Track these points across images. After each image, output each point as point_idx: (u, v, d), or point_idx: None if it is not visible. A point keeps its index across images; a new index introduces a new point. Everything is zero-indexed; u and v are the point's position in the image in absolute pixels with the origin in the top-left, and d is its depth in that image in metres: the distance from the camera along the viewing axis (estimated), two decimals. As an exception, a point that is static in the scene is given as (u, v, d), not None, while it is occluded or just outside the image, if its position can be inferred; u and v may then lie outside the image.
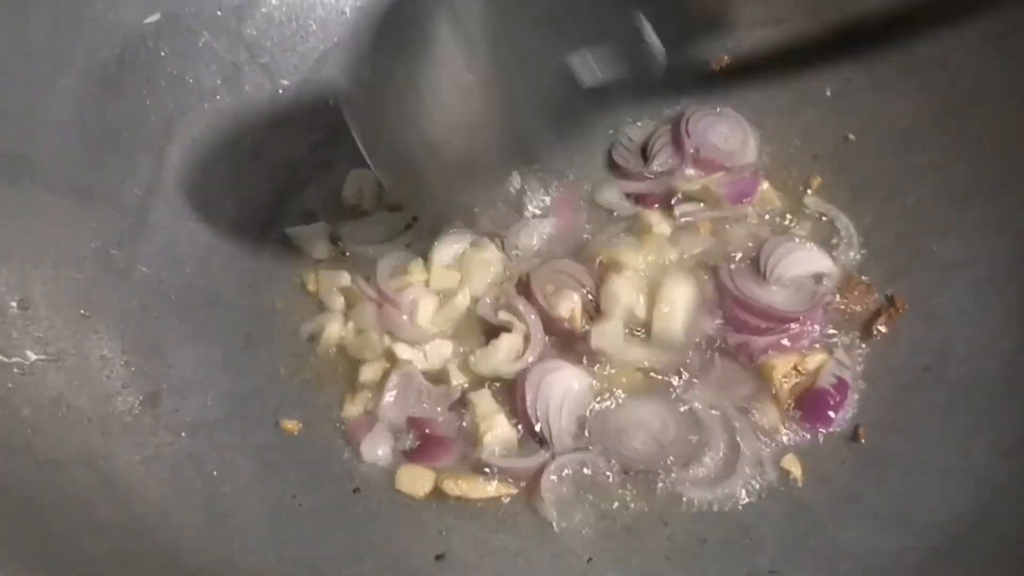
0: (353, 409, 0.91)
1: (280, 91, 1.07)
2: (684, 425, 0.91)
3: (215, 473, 0.85)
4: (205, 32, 1.04)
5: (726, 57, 1.13)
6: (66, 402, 0.83)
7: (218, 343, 0.94)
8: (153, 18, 1.00)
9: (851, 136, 1.06)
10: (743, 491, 0.86)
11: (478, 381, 0.93)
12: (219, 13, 1.05)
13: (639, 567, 0.84)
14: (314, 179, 1.05)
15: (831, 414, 0.91)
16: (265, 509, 0.84)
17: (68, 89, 0.94)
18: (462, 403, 0.92)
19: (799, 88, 1.09)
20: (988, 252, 0.95)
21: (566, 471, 0.88)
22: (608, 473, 0.88)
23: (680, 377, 0.93)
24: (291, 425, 0.90)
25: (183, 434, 0.87)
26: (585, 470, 0.88)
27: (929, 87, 1.03)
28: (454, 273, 0.98)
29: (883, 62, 1.04)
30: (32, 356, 0.83)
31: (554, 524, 0.85)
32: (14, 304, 0.84)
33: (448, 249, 0.99)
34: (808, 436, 0.90)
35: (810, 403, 0.92)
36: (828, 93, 1.08)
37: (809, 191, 1.04)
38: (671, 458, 0.88)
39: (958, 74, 1.02)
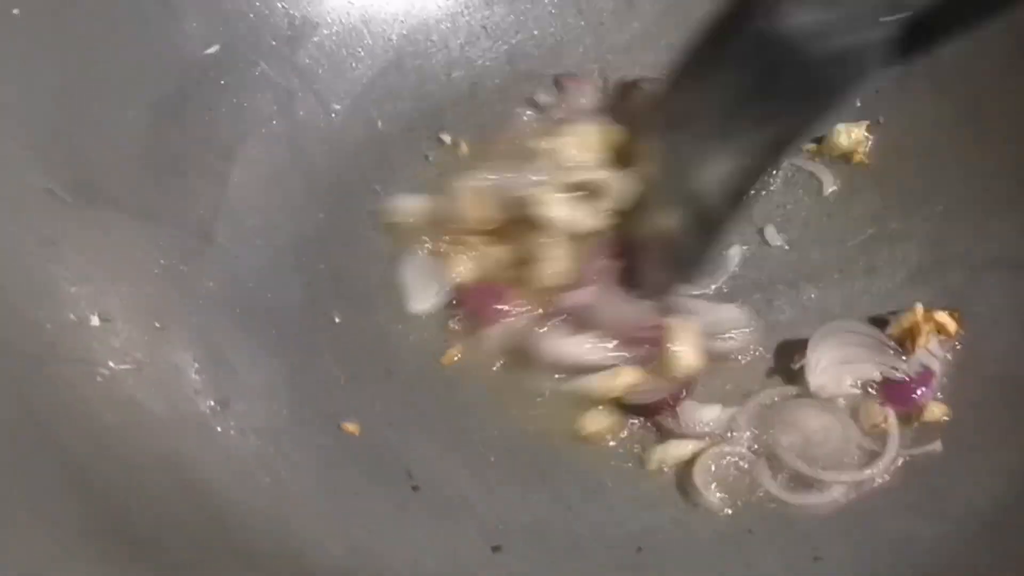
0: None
1: (332, 115, 1.13)
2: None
3: (282, 473, 0.91)
4: (261, 61, 1.10)
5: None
6: (144, 408, 0.89)
7: (280, 353, 0.99)
8: (213, 49, 1.07)
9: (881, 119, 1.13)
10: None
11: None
12: (274, 43, 1.11)
13: (686, 557, 0.89)
14: (368, 200, 1.12)
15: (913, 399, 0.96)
16: (330, 506, 0.90)
17: (135, 120, 1.01)
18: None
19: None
20: (1018, 256, 1.01)
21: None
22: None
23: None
24: (352, 427, 0.96)
25: (251, 437, 0.92)
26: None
27: (953, 96, 1.09)
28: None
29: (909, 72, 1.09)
30: (112, 365, 0.90)
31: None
32: (95, 318, 0.91)
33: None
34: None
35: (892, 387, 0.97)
36: (858, 104, 1.13)
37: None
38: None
39: (983, 82, 1.08)
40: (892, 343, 0.99)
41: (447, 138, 1.15)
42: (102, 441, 0.84)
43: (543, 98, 1.18)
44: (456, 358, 1.01)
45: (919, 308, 0.98)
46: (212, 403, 0.93)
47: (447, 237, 1.07)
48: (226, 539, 0.83)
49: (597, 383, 0.97)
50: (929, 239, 1.07)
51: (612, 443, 0.97)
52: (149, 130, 1.01)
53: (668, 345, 0.98)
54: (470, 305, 1.04)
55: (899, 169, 1.11)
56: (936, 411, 0.95)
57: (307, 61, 1.14)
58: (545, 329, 1.00)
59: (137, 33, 1.02)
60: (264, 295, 1.02)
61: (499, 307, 1.02)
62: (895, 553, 0.87)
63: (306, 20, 1.14)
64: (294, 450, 0.93)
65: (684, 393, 0.97)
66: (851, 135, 1.12)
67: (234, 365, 0.97)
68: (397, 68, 1.17)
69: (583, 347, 0.99)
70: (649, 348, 0.99)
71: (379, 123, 1.15)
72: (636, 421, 0.98)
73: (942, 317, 0.99)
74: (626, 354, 0.99)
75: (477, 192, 1.06)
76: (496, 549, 0.89)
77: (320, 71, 1.14)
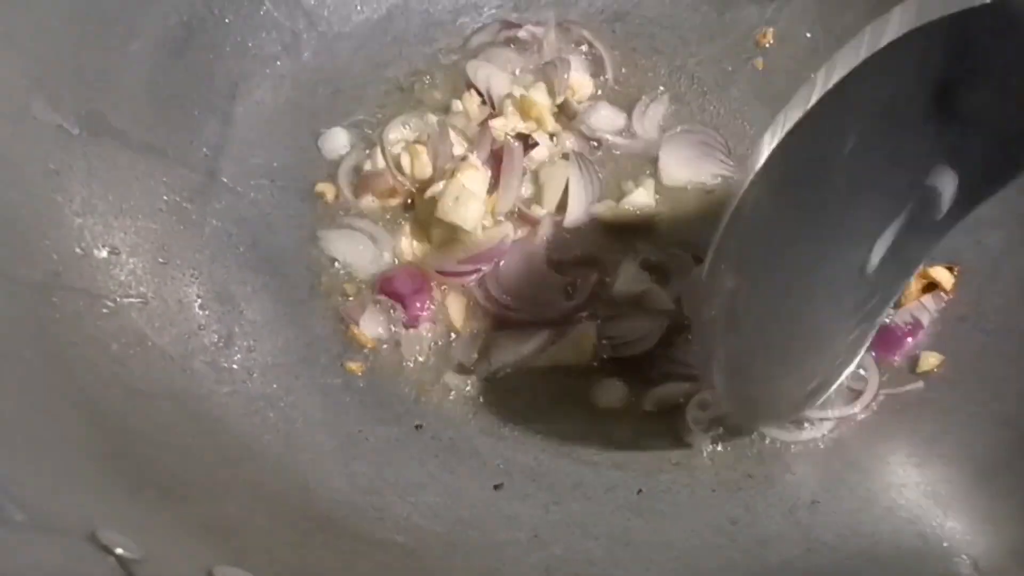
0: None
1: (337, 58, 1.14)
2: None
3: (288, 410, 0.92)
4: (267, 1, 1.10)
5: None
6: (150, 340, 0.90)
7: (284, 293, 1.00)
8: (218, -14, 1.08)
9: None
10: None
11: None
12: (280, -18, 1.12)
13: (687, 499, 0.91)
14: (366, 142, 1.12)
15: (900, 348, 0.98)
16: (335, 442, 0.91)
17: (140, 53, 1.01)
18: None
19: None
20: (1016, 212, 1.01)
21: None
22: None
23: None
24: (355, 367, 0.97)
25: (255, 374, 0.94)
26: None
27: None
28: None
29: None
30: (118, 297, 0.90)
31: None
32: (100, 250, 0.92)
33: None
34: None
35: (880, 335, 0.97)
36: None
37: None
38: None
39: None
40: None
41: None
42: (109, 369, 0.85)
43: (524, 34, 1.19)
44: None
45: (914, 263, 1.00)
46: (216, 339, 0.94)
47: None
48: (232, 470, 0.85)
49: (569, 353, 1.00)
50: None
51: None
52: (153, 64, 1.02)
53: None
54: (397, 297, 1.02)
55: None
56: (931, 360, 0.97)
57: (312, 2, 1.14)
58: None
59: (142, -34, 1.02)
60: (267, 236, 1.03)
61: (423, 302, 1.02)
62: (889, 498, 0.89)
63: (313, -40, 1.14)
64: (298, 387, 0.94)
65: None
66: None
67: (238, 303, 0.98)
68: (403, 12, 1.18)
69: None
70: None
71: (384, 67, 1.15)
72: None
73: (938, 272, 1.01)
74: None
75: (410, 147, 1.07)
76: (498, 487, 0.91)
77: (326, 12, 1.15)
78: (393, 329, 1.00)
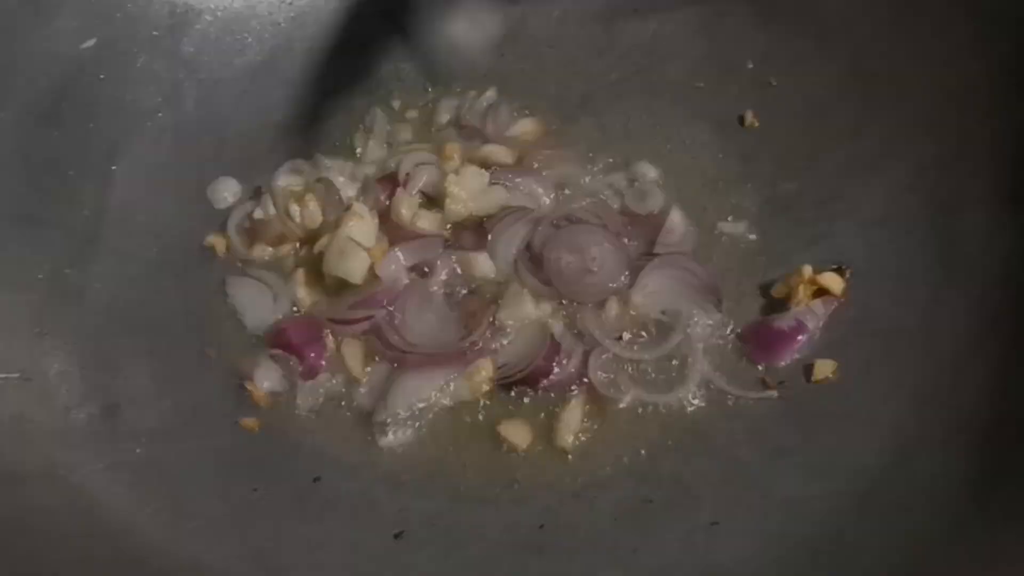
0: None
1: (219, 104, 1.05)
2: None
3: (177, 476, 0.84)
4: (142, 54, 1.02)
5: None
6: (27, 418, 0.82)
7: (172, 354, 0.92)
8: (89, 43, 0.98)
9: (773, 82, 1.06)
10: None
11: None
12: (155, 33, 1.03)
13: (587, 533, 0.84)
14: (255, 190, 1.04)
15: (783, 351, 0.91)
16: (228, 506, 0.83)
17: (7, 122, 0.93)
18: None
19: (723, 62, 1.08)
20: (903, 211, 0.94)
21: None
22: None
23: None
24: (251, 423, 0.89)
25: (143, 440, 0.86)
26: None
27: (841, 56, 1.02)
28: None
29: (798, 35, 1.03)
30: (-7, 377, 0.82)
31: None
32: (-31, 329, 0.83)
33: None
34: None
35: (763, 338, 0.92)
36: (750, 65, 1.07)
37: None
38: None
39: (869, 42, 1.01)
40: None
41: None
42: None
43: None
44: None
45: (807, 269, 0.93)
46: (98, 409, 0.86)
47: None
48: (117, 549, 0.77)
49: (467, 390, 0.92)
50: (819, 198, 1.00)
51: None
52: (23, 132, 0.94)
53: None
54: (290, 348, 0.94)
55: (789, 130, 1.05)
56: (825, 368, 0.90)
57: (191, 50, 1.06)
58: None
59: (4, 33, 0.93)
60: (153, 297, 0.95)
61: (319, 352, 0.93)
62: (788, 513, 0.82)
63: (188, 8, 1.05)
64: (190, 452, 0.86)
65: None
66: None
67: (123, 370, 0.90)
68: (287, 52, 1.08)
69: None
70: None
71: (270, 111, 1.06)
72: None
73: (828, 278, 0.94)
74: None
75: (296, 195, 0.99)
76: (398, 536, 0.83)
77: (206, 59, 1.06)
78: (290, 381, 0.91)
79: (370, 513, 0.85)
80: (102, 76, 0.99)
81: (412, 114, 1.08)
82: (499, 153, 1.03)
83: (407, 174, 0.99)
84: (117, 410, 0.86)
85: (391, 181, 0.99)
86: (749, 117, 1.06)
